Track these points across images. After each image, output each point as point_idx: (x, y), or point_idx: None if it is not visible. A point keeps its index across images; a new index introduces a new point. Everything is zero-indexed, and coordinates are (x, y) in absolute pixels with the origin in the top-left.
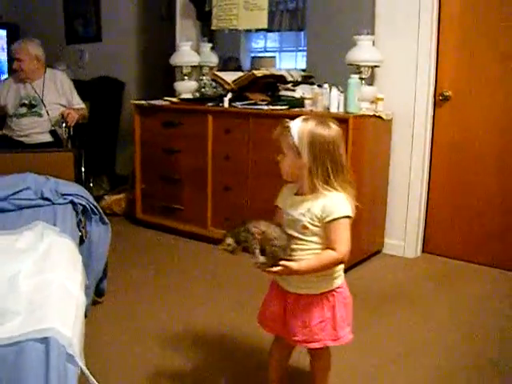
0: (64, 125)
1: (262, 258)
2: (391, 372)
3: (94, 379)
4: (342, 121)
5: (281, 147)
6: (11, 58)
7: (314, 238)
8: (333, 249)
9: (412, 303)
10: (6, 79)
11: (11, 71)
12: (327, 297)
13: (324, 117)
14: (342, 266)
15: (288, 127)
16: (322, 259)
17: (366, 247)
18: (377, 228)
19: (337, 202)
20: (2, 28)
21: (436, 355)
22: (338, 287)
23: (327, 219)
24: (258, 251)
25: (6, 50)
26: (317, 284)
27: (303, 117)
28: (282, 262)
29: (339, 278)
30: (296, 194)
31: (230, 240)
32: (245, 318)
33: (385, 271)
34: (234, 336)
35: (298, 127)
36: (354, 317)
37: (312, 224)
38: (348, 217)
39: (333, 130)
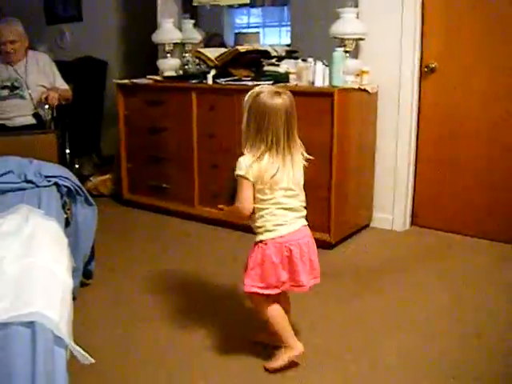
0: (46, 106)
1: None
2: (382, 345)
3: (87, 355)
4: (327, 95)
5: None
6: None
7: None
8: None
9: (402, 276)
10: None
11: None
12: (254, 246)
13: (280, 89)
14: (267, 226)
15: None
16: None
17: (354, 221)
18: (365, 202)
19: (238, 163)
20: None
21: (426, 327)
22: (261, 241)
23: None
24: None
25: None
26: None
27: (260, 88)
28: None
29: (263, 235)
30: None
31: None
32: (241, 294)
33: (374, 245)
34: (232, 312)
35: (249, 93)
36: (345, 290)
37: None
38: (241, 176)
39: (274, 102)
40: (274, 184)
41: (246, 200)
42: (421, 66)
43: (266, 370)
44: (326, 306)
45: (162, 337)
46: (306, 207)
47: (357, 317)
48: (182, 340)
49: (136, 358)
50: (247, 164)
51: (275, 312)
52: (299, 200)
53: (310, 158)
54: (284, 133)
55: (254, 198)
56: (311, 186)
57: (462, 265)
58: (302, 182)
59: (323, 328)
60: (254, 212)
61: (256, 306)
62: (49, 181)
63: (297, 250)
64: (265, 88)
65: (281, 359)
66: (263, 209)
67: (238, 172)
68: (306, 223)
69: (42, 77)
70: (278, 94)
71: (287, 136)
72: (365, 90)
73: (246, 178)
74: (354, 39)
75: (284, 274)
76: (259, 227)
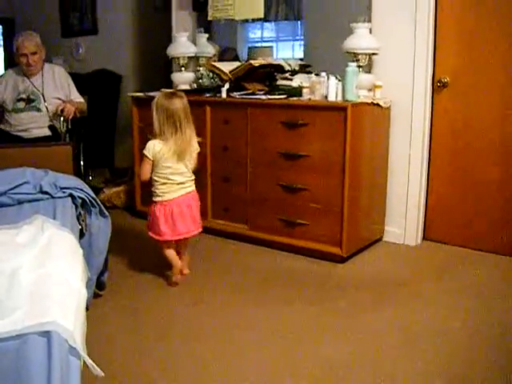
0: (61, 118)
1: None
2: (393, 358)
3: (97, 368)
4: (340, 109)
5: None
6: (10, 52)
7: None
8: None
9: (413, 291)
10: (3, 74)
11: (18, 66)
12: (151, 205)
13: (174, 90)
14: (161, 191)
15: None
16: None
17: (366, 235)
18: (377, 216)
19: (147, 145)
20: None
21: (437, 342)
22: (154, 202)
23: None
24: None
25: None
26: None
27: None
28: None
29: (155, 198)
30: None
31: None
32: (251, 303)
33: (386, 259)
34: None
35: (155, 98)
36: (356, 304)
37: None
38: (144, 155)
39: (170, 99)
40: (164, 163)
41: (142, 171)
42: (433, 80)
43: (172, 283)
44: (338, 319)
45: (175, 348)
46: (193, 179)
47: (367, 331)
48: (195, 352)
49: (148, 368)
50: (151, 147)
51: (168, 252)
52: (185, 176)
53: (200, 140)
54: (184, 123)
55: (152, 170)
56: (324, 199)
57: (474, 280)
58: (193, 163)
59: (333, 341)
60: (151, 180)
61: (160, 247)
62: (64, 192)
63: (177, 210)
64: (162, 92)
65: (174, 276)
66: (156, 180)
67: (144, 151)
68: (191, 190)
69: (57, 89)
70: (174, 94)
71: (187, 125)
72: (378, 105)
73: (147, 157)
74: (367, 54)
75: (165, 227)
76: (153, 192)
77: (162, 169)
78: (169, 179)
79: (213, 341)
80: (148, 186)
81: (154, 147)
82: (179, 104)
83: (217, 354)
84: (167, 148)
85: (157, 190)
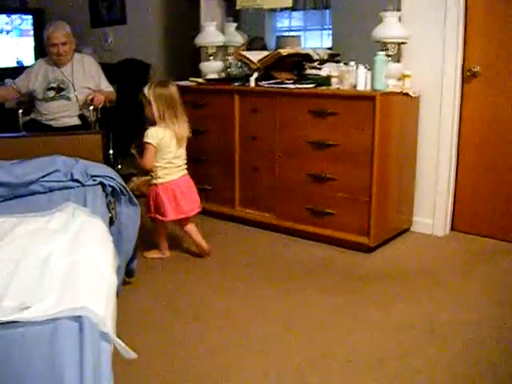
0: (91, 108)
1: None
2: (418, 349)
3: (130, 351)
4: (369, 98)
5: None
6: (40, 42)
7: None
8: None
9: (441, 282)
10: (34, 64)
11: (48, 56)
12: (150, 188)
13: (165, 79)
14: (162, 174)
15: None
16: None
17: (394, 225)
18: (405, 206)
19: (146, 133)
20: (28, 13)
21: (464, 333)
22: (155, 184)
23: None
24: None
25: (33, 36)
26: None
27: (151, 82)
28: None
29: (156, 180)
30: None
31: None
32: (276, 292)
33: (414, 249)
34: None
35: (147, 87)
36: (384, 294)
37: None
38: (148, 143)
39: (167, 88)
40: (168, 148)
41: (148, 160)
42: (463, 70)
43: (144, 256)
44: (365, 309)
45: (198, 335)
46: (186, 163)
47: (393, 321)
48: (218, 341)
49: (179, 352)
50: (154, 135)
51: (160, 230)
52: (182, 159)
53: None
54: (180, 109)
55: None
56: (352, 188)
57: (501, 272)
58: (185, 145)
59: (359, 331)
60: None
61: (155, 226)
62: (94, 180)
63: (178, 190)
64: (155, 81)
65: (154, 254)
66: (158, 165)
67: (147, 140)
68: (185, 172)
69: (87, 79)
70: (168, 82)
71: (182, 111)
72: (406, 94)
73: (152, 144)
74: (396, 43)
75: (170, 207)
76: (154, 176)
77: (165, 154)
78: (171, 163)
79: (236, 330)
80: None
81: (157, 134)
82: (174, 90)
83: (240, 343)
84: (170, 134)
85: (158, 173)
